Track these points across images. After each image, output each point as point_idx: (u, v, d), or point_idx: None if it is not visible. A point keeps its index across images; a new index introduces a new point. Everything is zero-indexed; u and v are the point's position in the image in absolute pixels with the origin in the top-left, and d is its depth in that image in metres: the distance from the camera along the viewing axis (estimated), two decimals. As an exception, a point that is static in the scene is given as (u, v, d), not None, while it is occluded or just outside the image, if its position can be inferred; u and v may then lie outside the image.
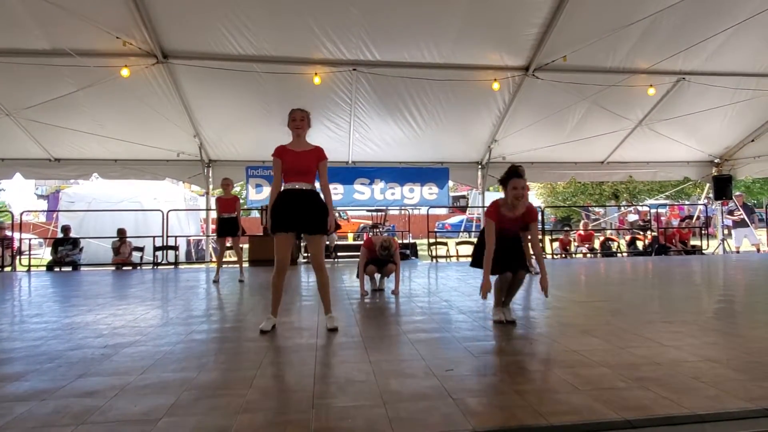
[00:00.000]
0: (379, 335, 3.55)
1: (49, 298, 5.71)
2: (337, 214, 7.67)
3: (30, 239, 11.00)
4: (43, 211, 18.10)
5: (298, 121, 3.73)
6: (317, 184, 3.79)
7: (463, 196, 31.54)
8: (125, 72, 7.85)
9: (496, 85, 8.68)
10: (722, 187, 11.96)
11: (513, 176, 3.62)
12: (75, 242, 9.87)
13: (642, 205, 18.46)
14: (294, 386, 2.48)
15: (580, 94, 9.18)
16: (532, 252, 4.05)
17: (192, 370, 2.76)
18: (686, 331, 3.56)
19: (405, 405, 2.17)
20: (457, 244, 11.46)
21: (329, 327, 3.67)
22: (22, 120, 9.07)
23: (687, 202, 22.02)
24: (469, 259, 4.27)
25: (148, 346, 3.30)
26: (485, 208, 4.10)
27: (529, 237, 3.89)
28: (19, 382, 2.59)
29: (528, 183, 3.92)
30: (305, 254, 10.33)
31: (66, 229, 10.07)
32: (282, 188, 3.70)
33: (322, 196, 3.77)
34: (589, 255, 11.50)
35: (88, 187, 14.92)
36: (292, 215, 3.60)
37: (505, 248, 3.75)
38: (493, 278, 3.78)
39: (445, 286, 6.06)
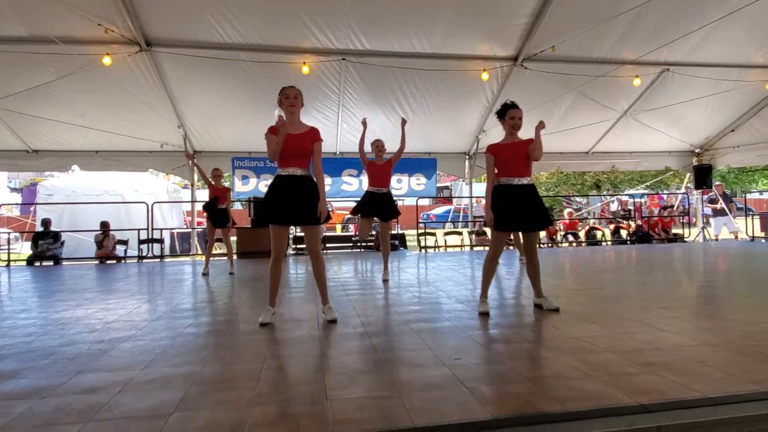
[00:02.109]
0: (382, 325, 3.53)
1: (33, 293, 5.55)
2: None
3: (9, 233, 10.65)
4: (23, 204, 17.53)
5: (292, 98, 3.56)
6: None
7: (447, 187, 31.64)
8: (107, 60, 7.60)
9: (485, 75, 8.67)
10: (702, 176, 12.21)
11: (510, 107, 3.71)
12: (56, 236, 9.59)
13: (623, 195, 18.78)
14: (303, 378, 2.45)
15: (568, 85, 9.24)
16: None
17: (195, 364, 2.70)
18: (682, 317, 3.62)
19: (419, 394, 2.16)
20: (445, 234, 11.50)
21: (328, 319, 3.60)
22: (-2, 110, 8.74)
23: (666, 192, 22.48)
24: (458, 249, 4.26)
25: (146, 340, 3.22)
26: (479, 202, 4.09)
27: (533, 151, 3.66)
28: (15, 379, 2.50)
29: None
30: (293, 246, 10.24)
31: (46, 223, 9.78)
32: (277, 173, 3.55)
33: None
34: (574, 244, 11.66)
35: (66, 179, 14.49)
36: (288, 206, 3.46)
37: (513, 198, 3.63)
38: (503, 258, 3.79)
39: (439, 276, 6.06)
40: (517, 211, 3.66)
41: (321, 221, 3.59)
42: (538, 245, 3.98)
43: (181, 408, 2.07)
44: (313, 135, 3.60)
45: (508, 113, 3.71)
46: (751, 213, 13.50)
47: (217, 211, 6.74)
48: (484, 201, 3.72)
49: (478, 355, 2.78)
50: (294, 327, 3.52)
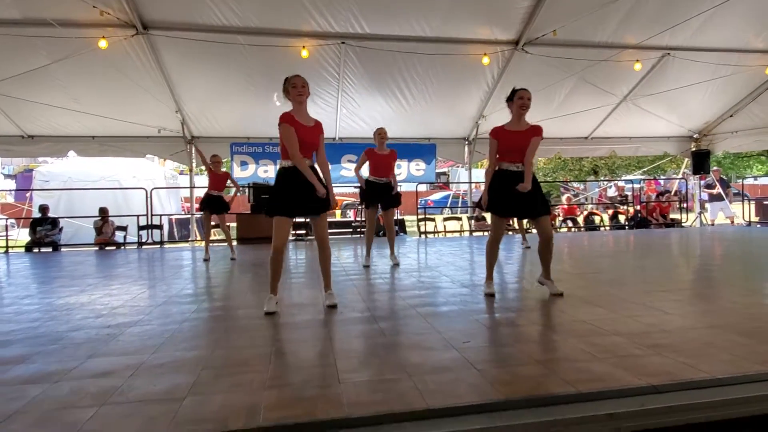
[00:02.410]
0: (388, 310, 3.54)
1: (35, 279, 5.53)
2: None
3: (6, 220, 10.59)
4: (19, 190, 17.39)
5: (300, 87, 3.48)
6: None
7: (444, 173, 31.60)
8: (103, 44, 7.48)
9: (486, 60, 8.60)
10: (700, 161, 12.24)
11: (519, 89, 3.74)
12: (54, 222, 9.54)
13: (620, 180, 18.82)
14: (314, 362, 2.46)
15: (568, 70, 9.18)
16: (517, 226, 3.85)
17: (204, 348, 2.71)
18: (685, 300, 3.66)
19: (431, 377, 2.18)
20: (445, 219, 11.51)
21: (329, 304, 3.58)
22: (-8, 95, 8.61)
23: (663, 177, 22.54)
24: (457, 235, 4.30)
25: (153, 325, 3.22)
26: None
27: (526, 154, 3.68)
28: (25, 364, 2.50)
29: None
30: (294, 232, 10.23)
31: (44, 209, 9.72)
32: (284, 165, 3.50)
33: (320, 172, 3.64)
34: (573, 229, 11.71)
35: (61, 165, 14.37)
36: (296, 199, 3.43)
37: (511, 184, 3.64)
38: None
39: (440, 261, 6.08)
40: (514, 197, 3.66)
41: (330, 207, 3.59)
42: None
43: (194, 392, 2.08)
44: (320, 128, 3.60)
45: (517, 94, 3.72)
46: (746, 198, 13.57)
47: (212, 198, 6.69)
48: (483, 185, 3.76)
49: (486, 338, 2.80)
50: (299, 312, 3.53)
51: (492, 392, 2.00)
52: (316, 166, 3.61)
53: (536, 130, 3.71)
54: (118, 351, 2.68)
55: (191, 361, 2.48)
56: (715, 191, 12.25)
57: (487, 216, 4.06)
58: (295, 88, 3.48)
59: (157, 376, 2.27)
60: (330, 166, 3.72)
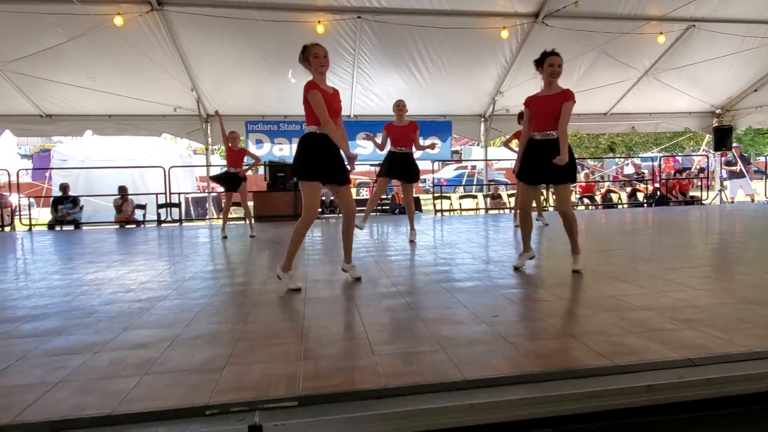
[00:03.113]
0: (412, 285, 3.55)
1: (62, 256, 5.64)
2: None
3: (29, 198, 10.76)
4: (38, 169, 17.61)
5: (322, 57, 3.39)
6: None
7: (456, 151, 31.32)
8: (118, 20, 7.46)
9: (504, 33, 8.42)
10: (722, 137, 11.95)
11: (549, 54, 3.62)
12: (75, 200, 9.67)
13: (639, 157, 18.53)
14: (346, 334, 2.49)
15: (589, 43, 8.96)
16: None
17: (237, 321, 2.75)
18: (713, 276, 3.63)
19: (464, 349, 2.19)
20: (460, 197, 11.46)
21: (354, 276, 3.63)
22: (10, 73, 8.65)
23: (681, 155, 22.13)
24: (473, 213, 4.31)
25: (184, 299, 3.28)
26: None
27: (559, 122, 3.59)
28: (63, 336, 2.56)
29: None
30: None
31: (65, 187, 9.85)
32: (310, 131, 3.39)
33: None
34: (591, 207, 11.60)
35: (77, 145, 14.51)
36: (325, 164, 3.38)
37: (541, 151, 3.61)
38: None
39: (459, 238, 6.07)
40: (540, 164, 3.63)
41: (350, 169, 3.57)
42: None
43: (232, 362, 2.12)
44: (339, 96, 3.57)
45: (547, 60, 3.59)
46: (766, 176, 13.28)
47: (229, 176, 6.71)
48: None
49: (515, 312, 2.80)
50: (326, 287, 3.56)
51: (527, 364, 2.01)
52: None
53: (566, 95, 3.58)
54: (151, 324, 2.73)
55: (225, 333, 2.53)
56: (737, 168, 12.01)
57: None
58: (317, 59, 3.39)
59: (194, 348, 2.32)
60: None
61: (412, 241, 5.71)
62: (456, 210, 10.98)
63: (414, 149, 5.76)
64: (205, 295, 3.40)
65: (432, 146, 6.07)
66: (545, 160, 3.58)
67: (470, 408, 1.71)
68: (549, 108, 3.60)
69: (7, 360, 2.19)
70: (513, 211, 7.43)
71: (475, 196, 11.71)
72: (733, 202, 12.07)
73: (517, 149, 5.38)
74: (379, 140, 5.88)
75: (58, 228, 9.37)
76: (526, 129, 3.76)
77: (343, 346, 2.32)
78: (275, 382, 1.89)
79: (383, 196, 11.07)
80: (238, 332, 2.53)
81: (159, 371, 2.04)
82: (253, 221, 7.43)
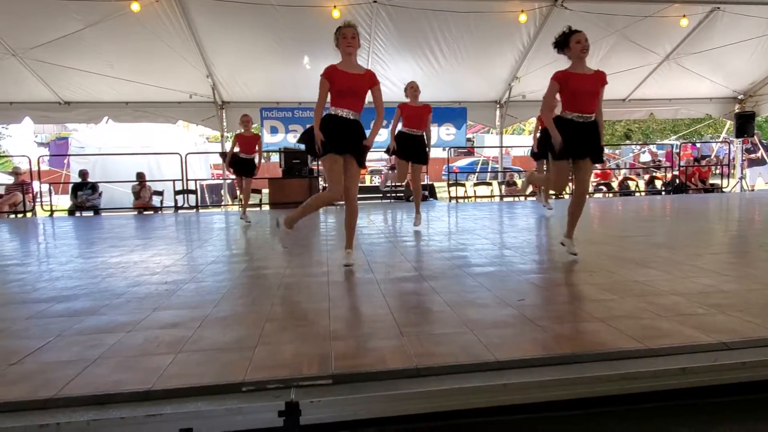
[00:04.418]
0: (435, 270, 3.55)
1: (84, 240, 5.73)
2: None
3: (50, 184, 10.93)
4: (55, 155, 17.84)
5: (349, 38, 3.37)
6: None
7: (469, 139, 31.08)
8: (135, 6, 7.48)
9: (522, 17, 8.29)
10: (744, 124, 11.69)
11: (573, 32, 3.44)
12: (94, 187, 9.80)
13: (656, 144, 18.23)
14: (373, 316, 2.50)
15: (609, 27, 8.78)
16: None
17: (263, 303, 2.78)
18: (739, 263, 3.58)
19: (492, 331, 2.19)
20: (475, 185, 11.40)
21: (346, 263, 3.55)
22: (29, 60, 8.74)
23: (699, 142, 21.72)
24: (487, 200, 4.18)
25: (209, 282, 3.32)
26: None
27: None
28: (95, 316, 2.61)
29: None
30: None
31: (84, 173, 9.98)
32: (327, 113, 3.43)
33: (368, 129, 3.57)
34: (608, 194, 11.47)
35: (93, 132, 14.63)
36: (340, 138, 3.39)
37: (579, 131, 3.46)
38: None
39: (477, 225, 6.05)
40: (576, 144, 3.48)
41: (365, 153, 3.54)
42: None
43: (263, 342, 2.14)
44: (371, 79, 3.48)
45: (573, 38, 3.41)
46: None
47: (241, 161, 6.70)
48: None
49: (541, 296, 2.80)
50: (348, 271, 3.57)
51: (556, 347, 2.00)
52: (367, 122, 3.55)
53: (604, 77, 3.50)
54: (180, 305, 2.77)
55: (253, 314, 2.56)
56: (759, 155, 11.78)
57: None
58: (345, 39, 3.39)
59: (224, 328, 2.35)
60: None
61: (417, 230, 5.55)
62: (471, 197, 10.93)
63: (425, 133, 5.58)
64: (228, 278, 3.44)
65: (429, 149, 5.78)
66: (585, 140, 3.47)
67: (503, 388, 1.71)
68: (593, 87, 3.45)
69: (45, 337, 2.24)
70: (539, 194, 7.27)
71: (489, 183, 11.63)
72: (753, 190, 11.86)
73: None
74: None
75: (78, 214, 9.51)
76: (553, 103, 3.55)
77: (370, 327, 2.33)
78: (308, 361, 1.91)
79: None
80: (266, 313, 2.56)
81: (192, 349, 2.08)
82: (246, 208, 7.21)
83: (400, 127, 5.55)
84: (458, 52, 9.41)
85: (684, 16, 8.61)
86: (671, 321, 2.26)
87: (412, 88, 5.52)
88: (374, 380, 1.76)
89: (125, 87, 9.50)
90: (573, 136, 3.46)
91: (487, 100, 11.19)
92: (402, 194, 10.92)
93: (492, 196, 11.14)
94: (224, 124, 10.55)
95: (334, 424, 1.66)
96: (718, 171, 13.93)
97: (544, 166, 6.29)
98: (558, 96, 3.53)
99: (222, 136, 10.97)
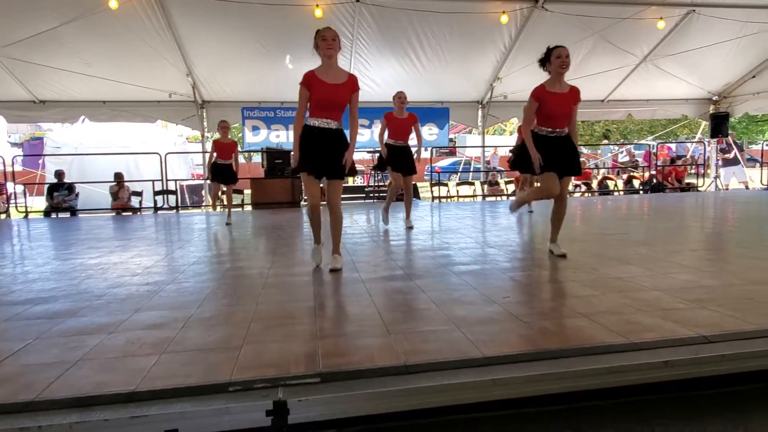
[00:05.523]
0: (420, 269, 3.56)
1: (62, 242, 5.59)
2: None
3: (24, 185, 10.64)
4: (28, 156, 17.39)
5: (330, 40, 3.29)
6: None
7: (451, 139, 31.30)
8: (113, 3, 7.32)
9: (504, 18, 8.36)
10: (719, 124, 12.01)
11: (555, 48, 3.58)
12: (70, 187, 9.58)
13: (633, 144, 18.57)
14: (359, 315, 2.49)
15: (589, 29, 8.92)
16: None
17: (248, 303, 2.74)
18: (717, 259, 3.66)
19: (479, 328, 2.20)
20: (458, 184, 11.47)
21: (332, 267, 3.46)
22: (2, 58, 8.48)
23: (674, 142, 22.23)
24: (471, 200, 4.25)
25: (191, 282, 3.27)
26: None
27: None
28: (75, 317, 2.55)
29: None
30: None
31: (60, 174, 9.74)
32: (308, 123, 3.37)
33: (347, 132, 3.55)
34: (587, 194, 11.65)
35: (70, 132, 14.28)
36: (318, 158, 3.36)
37: (553, 143, 3.63)
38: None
39: (460, 224, 6.08)
40: (553, 156, 3.62)
41: (346, 172, 3.49)
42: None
43: (249, 341, 2.12)
44: (353, 85, 3.43)
45: (554, 53, 3.56)
46: (759, 163, 13.40)
47: (221, 168, 6.58)
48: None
49: (526, 293, 2.82)
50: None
51: (543, 342, 2.03)
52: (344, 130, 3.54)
53: (578, 95, 3.65)
54: (162, 305, 2.72)
55: (237, 314, 2.53)
56: (731, 155, 12.10)
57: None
58: (325, 41, 3.31)
59: (209, 328, 2.32)
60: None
61: (410, 228, 5.67)
62: (453, 197, 10.99)
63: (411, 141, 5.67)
64: (211, 278, 3.40)
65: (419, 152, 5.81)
66: (561, 153, 3.62)
67: (492, 383, 1.73)
68: (566, 108, 3.63)
69: (24, 339, 2.18)
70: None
71: (472, 183, 11.72)
72: (727, 189, 12.17)
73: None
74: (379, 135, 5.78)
75: (54, 215, 9.28)
76: (531, 120, 3.68)
77: (357, 325, 2.32)
78: (295, 360, 1.89)
79: (377, 184, 11.05)
80: (250, 313, 2.53)
81: (176, 350, 2.04)
82: (231, 210, 7.15)
83: (386, 138, 5.59)
84: (440, 53, 9.45)
85: (661, 18, 8.80)
86: (653, 316, 2.30)
87: (399, 99, 5.51)
88: (362, 378, 1.76)
89: (102, 85, 9.29)
90: (549, 148, 3.62)
91: (469, 100, 11.27)
92: (385, 194, 10.91)
93: (474, 196, 11.22)
94: (205, 123, 10.41)
95: (322, 423, 1.65)
96: (693, 171, 14.29)
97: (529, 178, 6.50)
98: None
99: (203, 135, 10.82)
